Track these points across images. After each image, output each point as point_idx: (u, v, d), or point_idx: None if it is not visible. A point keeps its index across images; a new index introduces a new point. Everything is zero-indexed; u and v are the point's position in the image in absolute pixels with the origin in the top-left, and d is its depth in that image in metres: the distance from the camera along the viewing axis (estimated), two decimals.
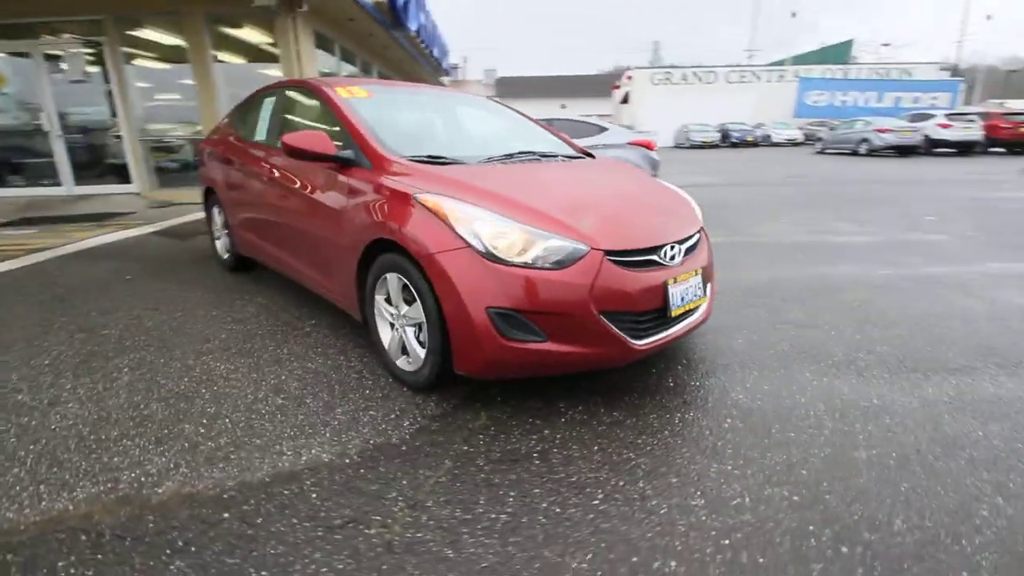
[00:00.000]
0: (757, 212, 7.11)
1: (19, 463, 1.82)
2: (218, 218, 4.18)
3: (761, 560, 1.38)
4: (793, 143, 28.08)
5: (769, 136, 28.49)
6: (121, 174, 8.32)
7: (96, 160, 8.38)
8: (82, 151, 8.26)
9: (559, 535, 1.48)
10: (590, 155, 3.24)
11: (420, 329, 2.20)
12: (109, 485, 1.70)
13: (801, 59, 38.38)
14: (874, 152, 18.54)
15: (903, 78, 31.58)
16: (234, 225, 3.81)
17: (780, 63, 37.15)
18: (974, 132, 17.85)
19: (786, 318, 3.09)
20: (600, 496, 1.63)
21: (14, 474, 1.77)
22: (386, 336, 2.40)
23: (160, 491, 1.68)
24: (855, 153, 19.40)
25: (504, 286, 1.89)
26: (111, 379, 2.42)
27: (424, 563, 1.39)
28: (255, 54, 8.45)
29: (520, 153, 2.83)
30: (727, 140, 28.49)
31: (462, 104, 3.44)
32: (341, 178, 2.50)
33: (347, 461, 1.82)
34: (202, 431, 2.00)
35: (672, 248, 2.18)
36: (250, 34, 8.04)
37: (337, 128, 2.69)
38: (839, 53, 38.80)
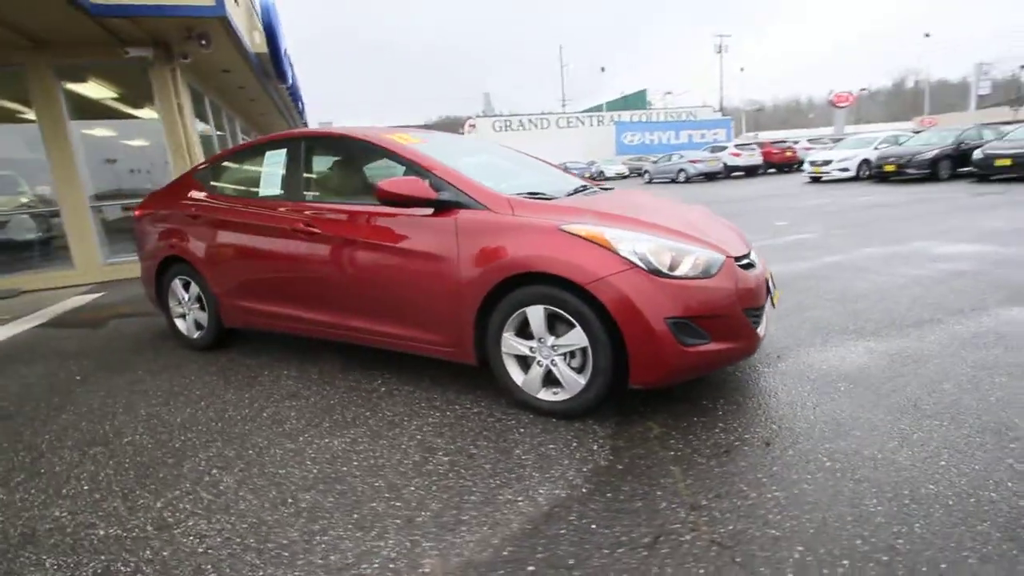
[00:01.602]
0: None
1: None
2: (183, 292, 3.59)
3: None
4: (622, 176, 32.26)
5: (603, 172, 32.35)
6: None
7: None
8: None
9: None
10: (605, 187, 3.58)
11: (571, 357, 2.26)
12: None
13: (611, 106, 44.63)
14: (690, 179, 22.27)
15: (690, 119, 38.68)
16: (223, 294, 3.33)
17: (598, 108, 42.84)
18: (756, 158, 22.61)
19: (783, 308, 3.72)
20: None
21: None
22: (516, 373, 2.39)
23: (427, 571, 1.50)
24: (675, 181, 23.04)
25: (674, 298, 2.09)
26: (211, 485, 1.99)
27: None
28: (117, 110, 7.35)
29: (578, 188, 3.06)
30: None
31: (485, 147, 3.54)
32: (441, 221, 2.46)
33: (584, 491, 1.81)
34: (399, 504, 1.80)
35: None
36: (114, 89, 6.99)
37: (408, 172, 2.64)
38: (638, 100, 46.07)
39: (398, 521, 1.72)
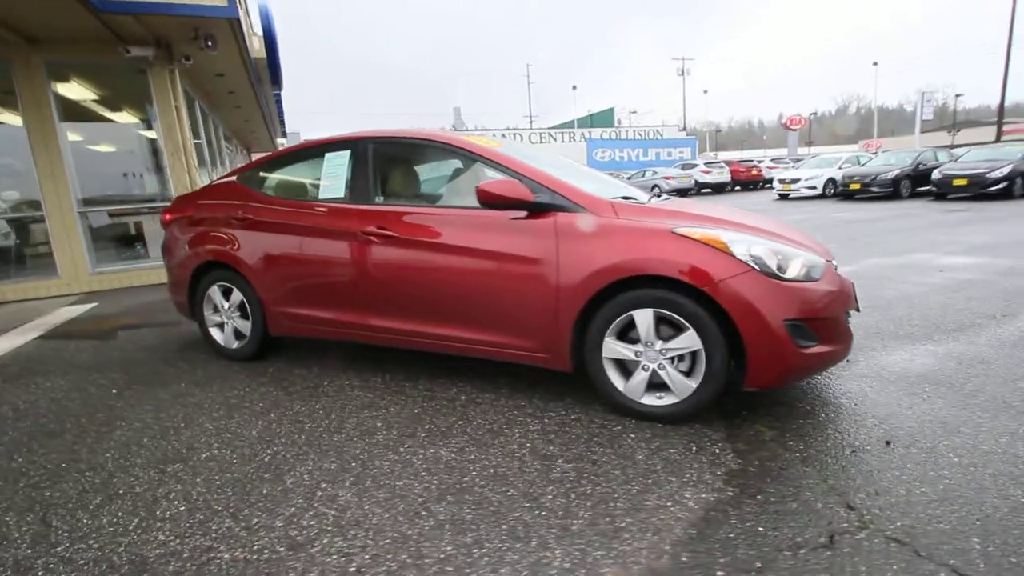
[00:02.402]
0: None
1: None
2: (221, 300, 3.38)
3: None
4: None
5: None
6: None
7: None
8: None
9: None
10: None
11: (678, 360, 2.24)
12: None
13: (581, 123, 45.52)
14: (662, 195, 22.91)
15: (658, 137, 39.87)
16: (272, 301, 3.16)
17: (569, 125, 43.61)
18: (725, 176, 23.51)
19: None
20: None
21: None
22: (616, 378, 2.36)
23: None
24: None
25: (789, 300, 2.12)
26: (328, 500, 1.86)
27: None
28: (106, 112, 6.97)
29: (652, 195, 3.08)
30: None
31: (548, 154, 3.48)
32: (538, 224, 2.42)
33: (729, 494, 1.79)
34: (544, 513, 1.73)
35: None
36: (106, 90, 6.62)
37: (495, 176, 2.59)
38: (606, 118, 47.18)
39: (553, 531, 1.65)
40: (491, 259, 2.52)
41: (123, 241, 6.83)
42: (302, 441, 2.30)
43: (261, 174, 3.39)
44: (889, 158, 16.57)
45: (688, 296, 2.15)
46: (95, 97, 6.85)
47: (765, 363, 2.11)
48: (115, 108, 7.06)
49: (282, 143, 18.33)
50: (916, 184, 14.71)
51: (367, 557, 1.57)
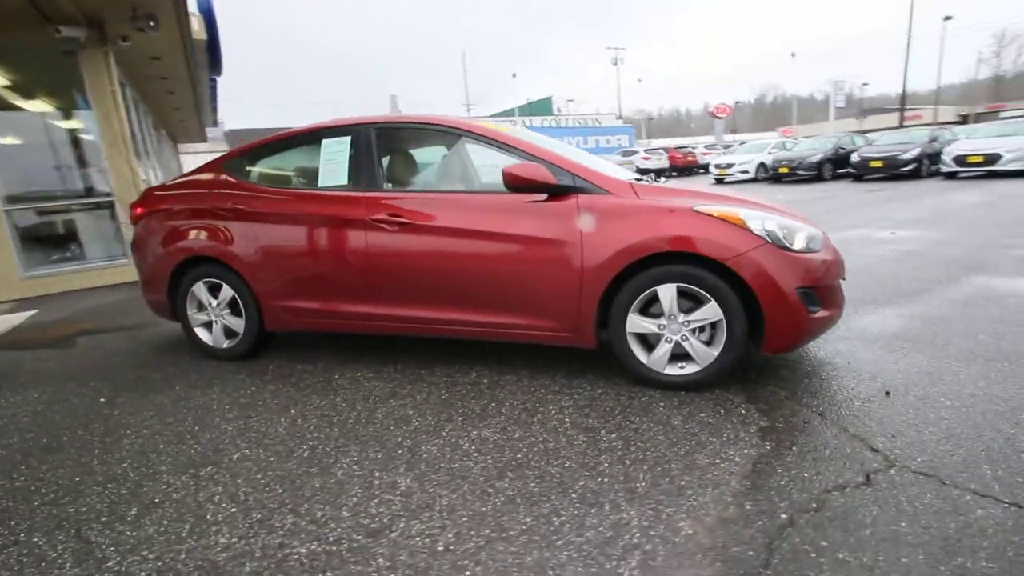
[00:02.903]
0: None
1: None
2: (208, 297, 3.19)
3: None
4: None
5: None
6: None
7: None
8: None
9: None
10: None
11: (699, 331, 2.38)
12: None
13: (521, 111, 45.65)
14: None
15: (596, 125, 40.78)
16: (269, 295, 3.03)
17: (510, 113, 43.60)
18: (664, 162, 24.48)
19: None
20: None
21: None
22: (640, 351, 2.47)
23: (689, 531, 1.54)
24: None
25: (798, 269, 2.30)
26: (388, 487, 1.85)
27: None
28: (27, 100, 6.26)
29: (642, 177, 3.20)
30: None
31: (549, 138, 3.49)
32: (560, 206, 2.47)
33: (768, 448, 1.94)
34: (607, 479, 1.81)
35: None
36: (26, 76, 5.94)
37: (514, 159, 2.62)
38: (544, 106, 47.62)
39: (621, 494, 1.73)
40: (513, 242, 2.55)
41: (56, 242, 6.22)
42: (336, 434, 2.26)
43: (250, 162, 3.21)
44: (812, 143, 17.88)
45: (709, 270, 2.30)
46: (9, 83, 6.15)
47: (782, 329, 2.29)
48: (38, 96, 6.36)
49: (212, 134, 17.17)
50: (837, 167, 15.98)
51: (450, 535, 1.59)
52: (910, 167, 13.51)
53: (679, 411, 2.26)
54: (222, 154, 3.31)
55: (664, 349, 2.43)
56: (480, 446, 2.09)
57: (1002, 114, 32.77)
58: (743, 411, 2.23)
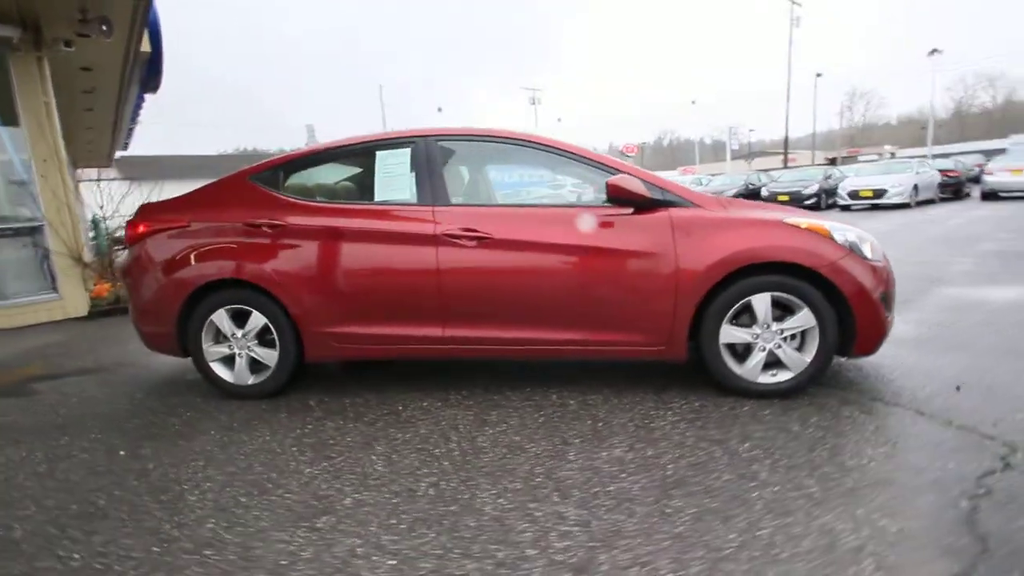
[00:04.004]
0: None
1: None
2: (232, 327, 2.78)
3: None
4: None
5: None
6: None
7: None
8: None
9: None
10: None
11: (790, 339, 2.46)
12: None
13: None
14: None
15: None
16: (311, 321, 2.70)
17: None
18: None
19: None
20: None
21: None
22: (732, 362, 2.50)
23: (894, 529, 1.54)
24: None
25: (876, 277, 2.46)
26: (556, 517, 1.67)
27: None
28: None
29: None
30: None
31: None
32: (652, 219, 2.47)
33: (899, 445, 2.01)
34: (776, 488, 1.77)
35: None
36: None
37: (585, 174, 2.61)
38: None
39: (801, 501, 1.69)
40: (604, 256, 2.50)
41: None
42: (450, 468, 2.02)
43: (288, 174, 2.89)
44: (725, 180, 19.77)
45: (803, 279, 2.39)
46: None
47: (869, 333, 2.43)
48: None
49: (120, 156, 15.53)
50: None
51: (666, 560, 1.46)
52: (812, 200, 15.32)
53: (789, 417, 2.29)
54: (245, 167, 2.97)
55: (758, 358, 2.48)
56: (621, 467, 1.97)
57: (860, 157, 38.39)
58: (847, 414, 2.31)
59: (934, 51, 31.30)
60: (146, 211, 3.02)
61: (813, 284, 2.39)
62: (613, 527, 1.62)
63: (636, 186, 2.42)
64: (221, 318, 2.82)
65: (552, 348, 2.62)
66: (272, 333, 2.79)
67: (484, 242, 2.56)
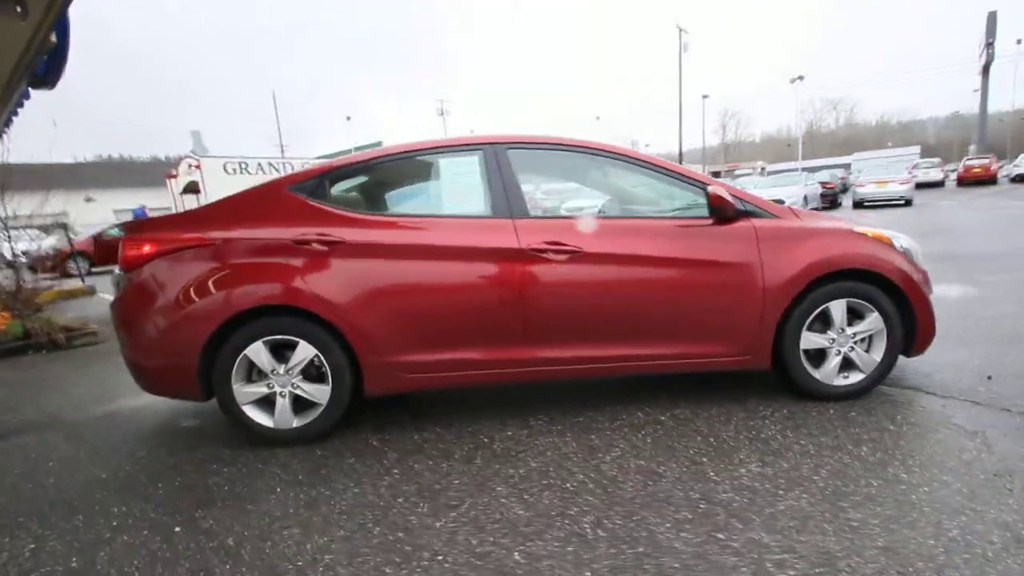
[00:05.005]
0: None
1: None
2: (271, 361, 2.36)
3: None
4: None
5: None
6: None
7: None
8: None
9: None
10: None
11: (860, 342, 2.59)
12: None
13: (346, 155, 44.48)
14: None
15: None
16: (378, 350, 2.38)
17: (346, 153, 42.09)
18: None
19: None
20: None
21: None
22: (809, 367, 2.58)
23: None
24: None
25: (926, 281, 2.68)
26: (767, 550, 1.57)
27: None
28: None
29: None
30: None
31: None
32: (737, 230, 2.48)
33: (977, 432, 2.18)
34: (935, 486, 1.82)
35: None
36: None
37: (663, 185, 2.58)
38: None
39: (963, 498, 1.76)
40: (696, 268, 2.47)
41: None
42: (599, 504, 1.85)
43: (335, 183, 2.52)
44: None
45: (872, 284, 2.54)
46: None
47: (926, 332, 2.62)
48: None
49: None
50: None
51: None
52: None
53: (877, 417, 2.40)
54: (280, 177, 2.55)
55: (834, 362, 2.58)
56: (772, 483, 1.92)
57: (737, 172, 42.85)
58: (921, 407, 2.47)
59: (799, 78, 35.95)
60: (148, 227, 2.49)
61: (881, 289, 2.55)
62: (819, 548, 1.57)
63: (729, 197, 2.43)
64: (258, 352, 2.38)
65: (642, 364, 2.54)
66: (323, 366, 2.42)
67: (574, 256, 2.42)
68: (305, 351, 2.40)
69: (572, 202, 3.22)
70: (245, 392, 2.42)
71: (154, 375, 2.45)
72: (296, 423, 2.46)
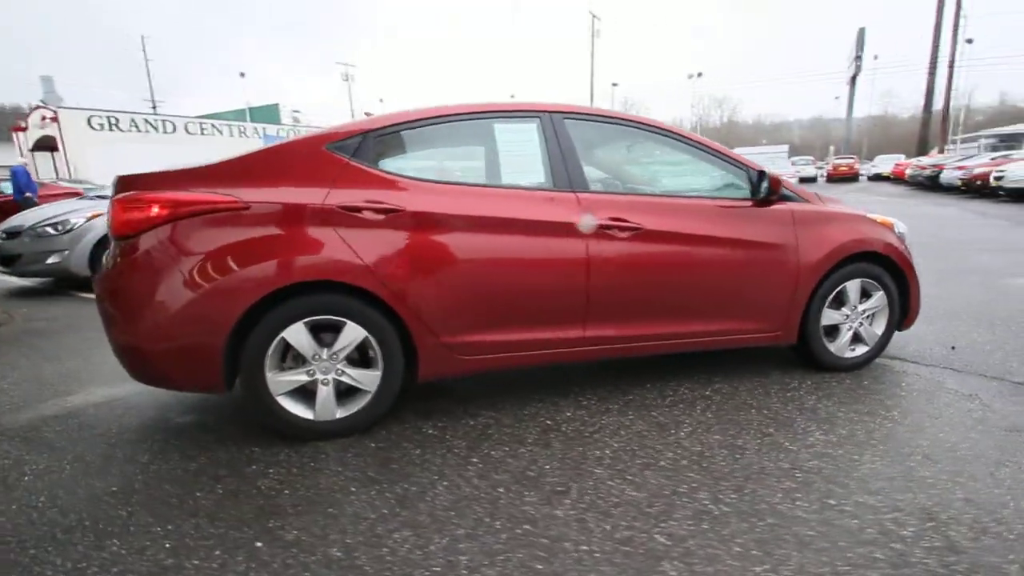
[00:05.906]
0: None
1: None
2: (313, 345, 2.07)
3: None
4: None
5: None
6: None
7: None
8: None
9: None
10: None
11: (865, 319, 2.85)
12: None
13: (238, 115, 40.08)
14: None
15: None
16: (436, 330, 2.18)
17: (241, 115, 37.68)
18: None
19: None
20: None
21: None
22: (827, 340, 2.80)
23: None
24: None
25: (914, 262, 3.01)
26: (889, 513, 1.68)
27: None
28: None
29: None
30: None
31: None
32: (777, 211, 2.59)
33: (972, 396, 2.52)
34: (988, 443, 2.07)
35: None
36: None
37: (711, 167, 2.62)
38: (270, 114, 43.07)
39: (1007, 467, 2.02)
40: (743, 247, 2.56)
41: None
42: (705, 480, 1.87)
43: (379, 144, 2.21)
44: None
45: (880, 266, 2.80)
46: None
47: (915, 309, 2.96)
48: None
49: None
50: None
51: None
52: None
53: (887, 385, 2.68)
54: (317, 133, 2.19)
55: (846, 337, 2.83)
56: (843, 449, 2.06)
57: None
58: (916, 375, 2.80)
59: (698, 74, 38.61)
60: (155, 183, 2.02)
61: (885, 269, 2.83)
62: (916, 504, 1.71)
63: (781, 180, 2.53)
64: (299, 334, 2.07)
65: (686, 341, 2.59)
66: (371, 349, 2.17)
67: (637, 234, 2.38)
68: (354, 333, 2.13)
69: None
70: (280, 381, 2.10)
71: (163, 361, 2.03)
72: (339, 414, 2.19)
